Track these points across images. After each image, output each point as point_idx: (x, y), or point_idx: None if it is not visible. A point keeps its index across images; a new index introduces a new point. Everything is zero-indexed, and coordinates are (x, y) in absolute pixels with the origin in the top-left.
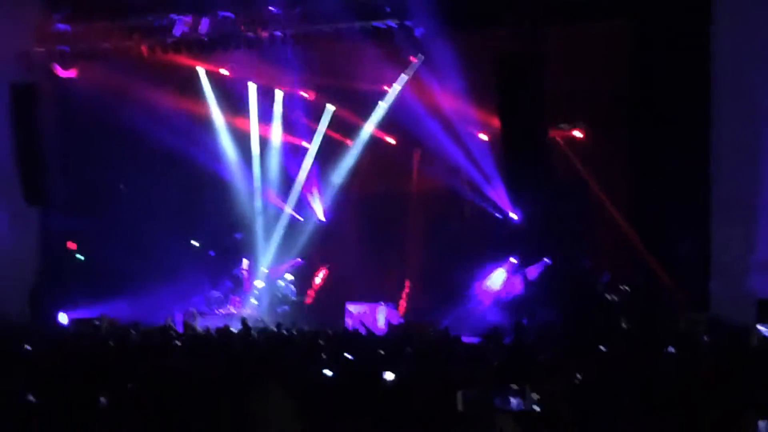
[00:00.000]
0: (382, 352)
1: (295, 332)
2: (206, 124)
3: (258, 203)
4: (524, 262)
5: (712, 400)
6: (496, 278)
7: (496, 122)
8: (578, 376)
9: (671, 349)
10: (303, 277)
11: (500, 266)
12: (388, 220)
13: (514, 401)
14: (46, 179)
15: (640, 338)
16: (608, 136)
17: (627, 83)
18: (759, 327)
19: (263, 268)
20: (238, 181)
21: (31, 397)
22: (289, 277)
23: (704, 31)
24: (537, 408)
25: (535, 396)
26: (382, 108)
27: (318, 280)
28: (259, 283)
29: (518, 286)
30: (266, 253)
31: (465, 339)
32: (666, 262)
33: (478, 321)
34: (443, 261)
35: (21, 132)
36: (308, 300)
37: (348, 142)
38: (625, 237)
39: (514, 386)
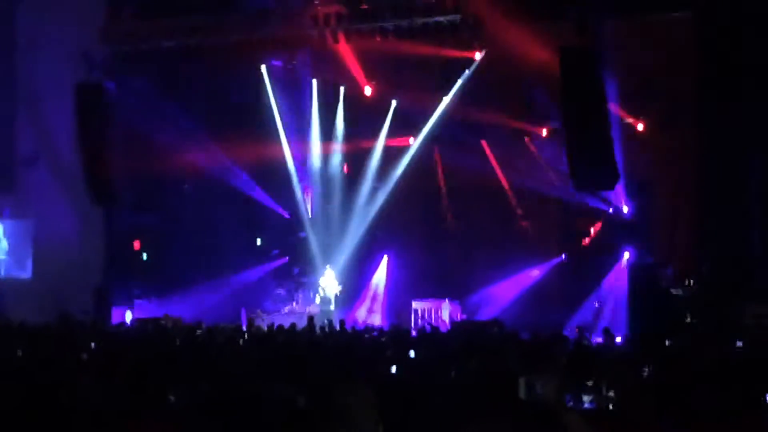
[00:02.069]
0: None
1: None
2: (268, 121)
3: (321, 201)
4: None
5: None
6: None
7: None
8: (645, 371)
9: (739, 343)
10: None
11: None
12: (452, 217)
13: (586, 398)
14: (112, 179)
15: (705, 332)
16: (673, 128)
17: (693, 76)
18: None
19: (327, 267)
20: (302, 179)
21: (98, 394)
22: (331, 273)
23: None
24: (611, 406)
25: (611, 394)
26: (446, 101)
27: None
28: (323, 281)
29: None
30: (330, 252)
31: (530, 336)
32: (732, 255)
33: (542, 318)
34: (508, 258)
35: (86, 132)
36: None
37: (411, 138)
38: (691, 231)
39: (589, 383)
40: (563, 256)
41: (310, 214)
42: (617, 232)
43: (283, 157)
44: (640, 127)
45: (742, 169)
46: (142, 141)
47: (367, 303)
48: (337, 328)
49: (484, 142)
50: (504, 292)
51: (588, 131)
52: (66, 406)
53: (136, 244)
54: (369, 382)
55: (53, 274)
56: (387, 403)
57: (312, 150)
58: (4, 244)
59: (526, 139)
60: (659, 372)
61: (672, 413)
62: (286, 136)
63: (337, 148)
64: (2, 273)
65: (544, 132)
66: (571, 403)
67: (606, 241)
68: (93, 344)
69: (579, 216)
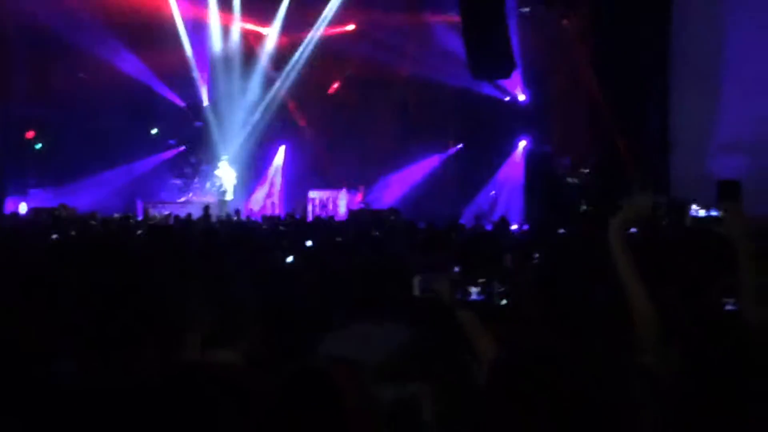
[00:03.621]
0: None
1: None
2: (165, 12)
3: (217, 90)
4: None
5: (667, 280)
6: None
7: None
8: (536, 256)
9: (633, 230)
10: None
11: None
12: (349, 106)
13: (474, 292)
14: (5, 67)
15: (599, 220)
16: (570, 16)
17: None
18: (692, 207)
19: (223, 156)
20: (198, 69)
21: None
22: (226, 163)
23: None
24: (503, 301)
25: (500, 288)
26: None
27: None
28: (219, 172)
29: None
30: (227, 142)
31: (426, 225)
32: (626, 145)
33: (440, 207)
34: (406, 147)
35: None
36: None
37: (309, 28)
38: (587, 120)
39: (481, 279)
40: (460, 145)
41: (206, 101)
42: (514, 120)
43: (180, 44)
44: (539, 14)
45: (638, 57)
46: (37, 30)
47: (265, 188)
48: (234, 218)
49: (382, 32)
50: (402, 182)
51: (485, 20)
52: None
53: (30, 134)
54: (260, 272)
55: None
56: (275, 295)
57: (211, 37)
58: None
59: (425, 28)
60: (549, 259)
61: (562, 305)
62: (182, 24)
63: (236, 34)
64: None
65: (442, 21)
66: (460, 297)
67: (502, 129)
68: None
69: (476, 105)
